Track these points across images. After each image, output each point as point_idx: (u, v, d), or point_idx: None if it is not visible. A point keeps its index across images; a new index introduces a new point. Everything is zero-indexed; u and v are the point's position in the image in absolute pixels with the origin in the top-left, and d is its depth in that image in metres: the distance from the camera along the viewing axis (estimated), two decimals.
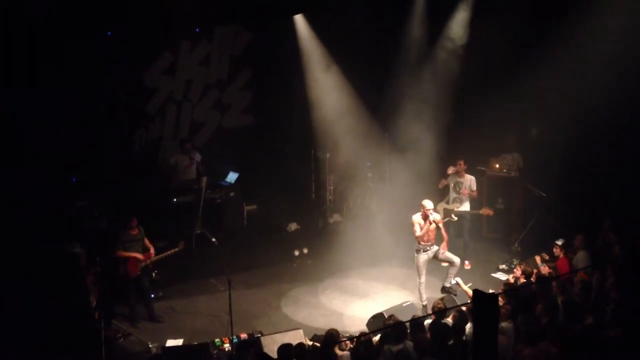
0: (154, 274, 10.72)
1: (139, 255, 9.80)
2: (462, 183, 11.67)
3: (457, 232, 11.70)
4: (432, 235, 10.02)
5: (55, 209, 10.35)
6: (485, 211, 11.69)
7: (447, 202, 11.80)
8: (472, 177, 11.74)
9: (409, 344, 7.59)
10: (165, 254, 10.03)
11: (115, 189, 11.47)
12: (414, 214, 10.14)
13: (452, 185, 11.76)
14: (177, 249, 10.08)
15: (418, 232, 9.98)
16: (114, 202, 11.22)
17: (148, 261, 9.89)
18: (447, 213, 11.63)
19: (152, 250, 9.92)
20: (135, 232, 9.85)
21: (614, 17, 11.05)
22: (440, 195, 12.01)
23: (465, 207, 11.74)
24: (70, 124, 10.90)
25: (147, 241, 9.95)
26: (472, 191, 11.69)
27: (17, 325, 8.62)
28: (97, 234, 10.62)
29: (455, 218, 11.53)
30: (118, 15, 10.59)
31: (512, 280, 9.81)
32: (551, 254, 10.29)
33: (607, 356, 6.87)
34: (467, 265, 11.51)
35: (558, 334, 7.41)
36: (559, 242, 10.18)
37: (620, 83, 10.98)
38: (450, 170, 11.77)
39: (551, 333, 7.47)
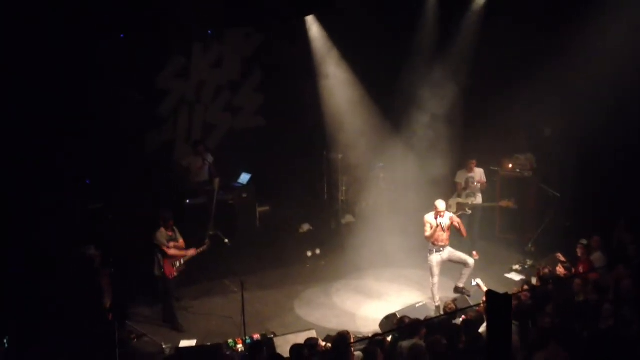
0: None
1: (184, 252, 9.84)
2: (473, 177, 12.03)
3: (468, 225, 11.74)
4: (444, 236, 9.99)
5: (69, 211, 10.41)
6: (505, 203, 11.89)
7: (460, 197, 12.01)
8: (481, 170, 12.14)
9: (420, 342, 7.56)
10: (194, 253, 10.01)
11: (129, 190, 11.51)
12: (426, 214, 10.12)
13: (464, 181, 12.05)
14: (204, 247, 10.06)
15: (427, 232, 9.97)
16: (128, 204, 11.27)
17: (182, 262, 9.92)
18: (461, 207, 11.88)
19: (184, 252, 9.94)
20: (170, 232, 9.89)
21: (630, 15, 10.95)
22: (451, 191, 12.16)
23: (479, 200, 12.05)
24: (84, 126, 10.95)
25: (182, 241, 9.97)
26: (484, 182, 12.09)
27: (31, 327, 8.68)
28: (112, 235, 10.67)
29: (470, 212, 11.84)
30: (131, 18, 10.64)
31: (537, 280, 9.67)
32: (571, 254, 10.14)
33: (624, 357, 6.82)
34: (475, 255, 11.52)
35: (572, 336, 7.37)
36: (584, 242, 9.97)
37: (635, 82, 10.88)
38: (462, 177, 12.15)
39: (564, 335, 7.42)
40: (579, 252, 9.96)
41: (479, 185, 12.05)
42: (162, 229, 9.79)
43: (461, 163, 12.38)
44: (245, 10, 11.88)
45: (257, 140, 13.53)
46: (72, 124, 10.76)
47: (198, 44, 12.88)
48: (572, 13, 11.49)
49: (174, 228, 9.92)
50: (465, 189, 12.01)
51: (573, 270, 9.84)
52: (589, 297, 8.49)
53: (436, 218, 9.93)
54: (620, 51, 10.89)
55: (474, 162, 12.06)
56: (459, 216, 11.40)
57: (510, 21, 11.74)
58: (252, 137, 13.57)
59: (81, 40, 10.38)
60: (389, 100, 13.00)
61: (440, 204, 9.96)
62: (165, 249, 9.73)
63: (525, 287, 9.58)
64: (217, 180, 12.19)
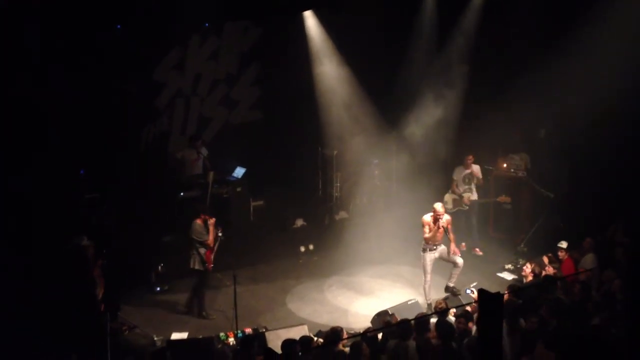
0: (159, 267, 10.76)
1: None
2: (470, 174, 12.17)
3: (465, 220, 12.06)
4: (439, 236, 10.04)
5: (62, 201, 10.39)
6: (502, 198, 12.10)
7: (455, 193, 12.15)
8: (477, 166, 12.25)
9: (411, 342, 7.60)
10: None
11: (123, 182, 11.50)
12: (423, 213, 10.16)
13: (461, 178, 12.11)
14: (221, 234, 10.11)
15: (427, 234, 10.01)
16: (122, 195, 11.24)
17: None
18: (457, 203, 12.05)
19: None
20: (204, 225, 9.93)
21: (628, 18, 10.99)
22: (445, 188, 12.24)
23: (474, 196, 12.20)
24: (79, 117, 10.92)
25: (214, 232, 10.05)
26: (480, 178, 12.22)
27: (23, 317, 8.67)
28: (105, 226, 10.65)
29: (466, 207, 12.05)
30: (128, 9, 10.60)
31: (530, 277, 9.79)
32: (557, 255, 10.26)
33: (611, 357, 6.86)
34: (478, 251, 12.07)
35: (559, 336, 7.41)
36: (563, 245, 10.16)
37: (631, 83, 10.93)
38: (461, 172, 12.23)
39: (551, 335, 7.46)
40: (560, 254, 10.12)
41: (475, 181, 12.15)
42: (198, 221, 9.84)
43: (457, 160, 12.44)
44: (243, 3, 11.85)
45: (253, 135, 13.51)
46: (67, 114, 10.71)
47: (195, 36, 12.84)
48: (569, 16, 11.53)
49: (210, 221, 9.94)
50: (461, 185, 12.14)
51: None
52: (575, 297, 8.54)
53: (434, 221, 9.96)
54: (615, 54, 10.94)
55: (472, 157, 12.10)
56: (455, 211, 11.60)
57: (507, 23, 11.78)
58: (248, 131, 13.56)
59: (78, 30, 10.33)
60: (385, 97, 13.02)
61: (439, 207, 10.00)
62: (207, 241, 9.82)
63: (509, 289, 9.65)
64: (211, 174, 12.19)
